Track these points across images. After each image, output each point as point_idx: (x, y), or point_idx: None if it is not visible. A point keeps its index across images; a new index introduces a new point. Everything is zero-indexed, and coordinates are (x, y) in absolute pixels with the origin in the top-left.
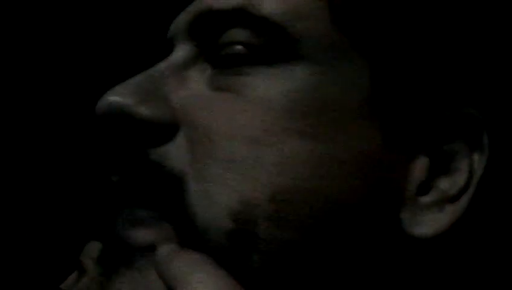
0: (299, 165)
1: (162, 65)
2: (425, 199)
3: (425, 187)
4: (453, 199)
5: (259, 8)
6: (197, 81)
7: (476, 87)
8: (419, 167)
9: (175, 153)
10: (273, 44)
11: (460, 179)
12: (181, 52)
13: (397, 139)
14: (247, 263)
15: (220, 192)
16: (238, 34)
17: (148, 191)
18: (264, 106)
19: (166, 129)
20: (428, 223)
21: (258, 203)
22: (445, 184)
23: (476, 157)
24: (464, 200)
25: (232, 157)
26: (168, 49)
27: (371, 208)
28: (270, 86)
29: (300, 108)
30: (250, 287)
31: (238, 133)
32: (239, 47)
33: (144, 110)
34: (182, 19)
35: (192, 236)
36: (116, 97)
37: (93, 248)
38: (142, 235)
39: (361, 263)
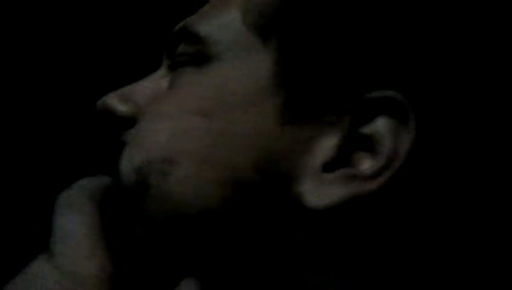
0: (192, 136)
1: (147, 78)
2: (331, 175)
3: (338, 164)
4: (368, 177)
5: (191, 26)
6: (164, 86)
7: (398, 70)
8: (326, 145)
9: (130, 132)
10: (199, 50)
11: (381, 159)
12: (161, 67)
13: (301, 119)
14: (144, 205)
15: (134, 152)
16: (182, 46)
17: (114, 157)
18: (181, 94)
19: (133, 120)
20: (322, 195)
21: (153, 161)
22: (363, 163)
23: (400, 139)
24: (380, 180)
25: (147, 128)
26: None
27: (263, 178)
28: (190, 80)
29: (203, 94)
30: (149, 227)
31: (158, 113)
32: (183, 55)
33: (120, 108)
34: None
35: (118, 184)
36: (106, 99)
37: None
38: None
39: (250, 229)
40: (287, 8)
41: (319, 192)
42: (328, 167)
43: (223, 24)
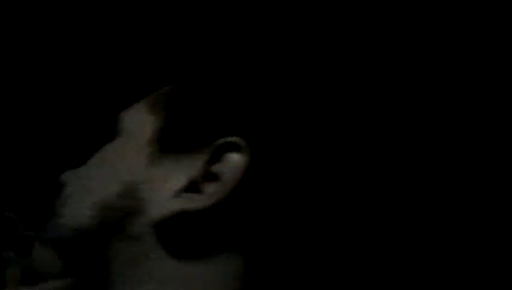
0: (85, 176)
1: None
2: (176, 198)
3: (191, 190)
4: (203, 198)
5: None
6: None
7: (240, 125)
8: (180, 179)
9: None
10: (118, 128)
11: (218, 185)
12: None
13: (163, 162)
14: (49, 228)
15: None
16: None
17: None
18: (93, 156)
19: None
20: (163, 211)
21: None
22: (209, 189)
23: (234, 171)
24: (211, 199)
25: None
26: None
27: (125, 202)
28: (102, 148)
29: (103, 153)
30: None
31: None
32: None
33: None
34: None
35: None
36: (63, 175)
37: None
38: None
39: (113, 241)
40: (168, 96)
41: (163, 209)
42: (179, 193)
43: (132, 109)
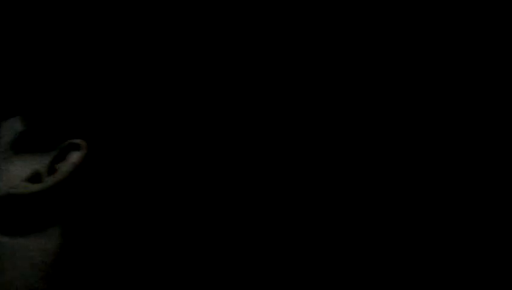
0: None
1: None
2: (19, 185)
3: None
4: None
5: None
6: None
7: (84, 130)
8: (24, 173)
9: None
10: None
11: (53, 178)
12: None
13: (15, 161)
14: None
15: None
16: None
17: None
18: None
19: None
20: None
21: None
22: (49, 179)
23: (68, 165)
24: (42, 185)
25: None
26: None
27: None
28: None
29: None
30: None
31: None
32: None
33: None
34: None
35: None
36: None
37: None
38: None
39: None
40: (32, 112)
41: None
42: (20, 182)
43: (10, 119)
